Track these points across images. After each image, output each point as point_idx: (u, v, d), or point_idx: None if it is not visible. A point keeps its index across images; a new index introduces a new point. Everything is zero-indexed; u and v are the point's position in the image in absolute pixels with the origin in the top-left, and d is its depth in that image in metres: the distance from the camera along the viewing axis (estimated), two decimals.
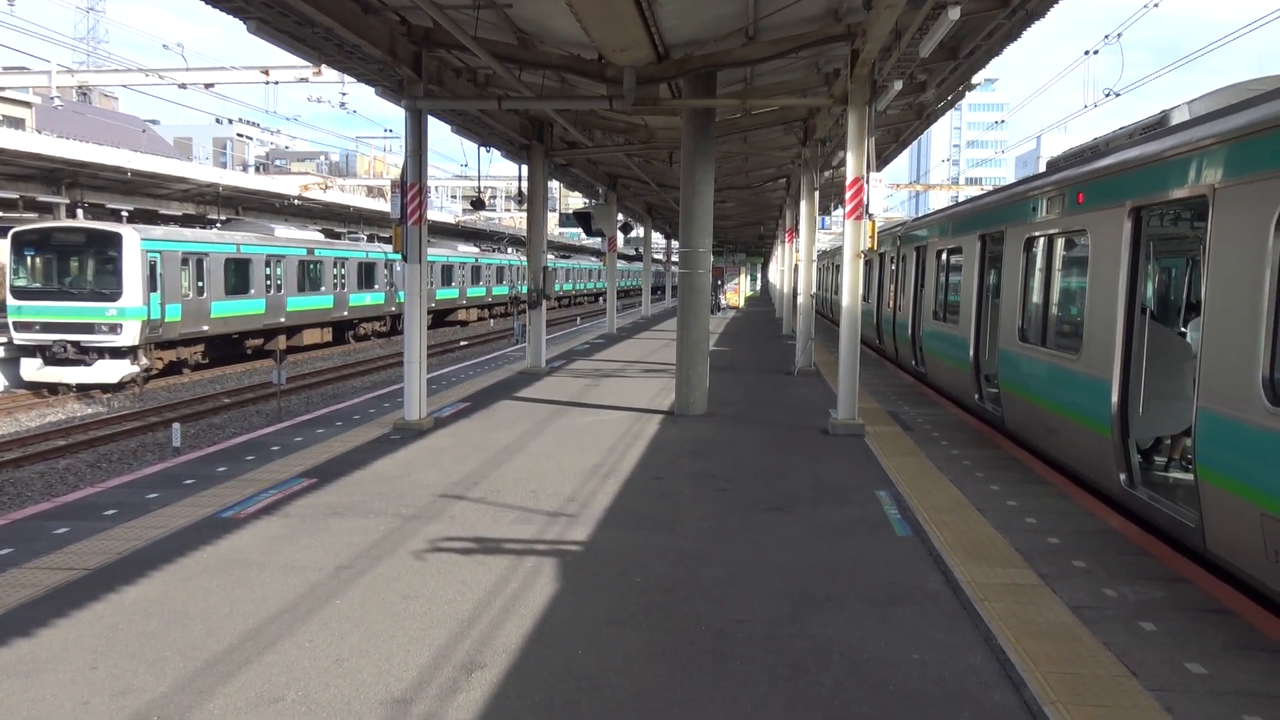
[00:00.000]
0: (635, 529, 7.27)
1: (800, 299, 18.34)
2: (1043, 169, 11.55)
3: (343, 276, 34.00)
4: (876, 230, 10.87)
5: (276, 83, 20.28)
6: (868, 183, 10.78)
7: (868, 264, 19.68)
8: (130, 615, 5.37)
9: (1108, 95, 17.58)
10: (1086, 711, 4.26)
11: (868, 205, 10.79)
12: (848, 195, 11.03)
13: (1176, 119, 7.91)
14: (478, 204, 19.07)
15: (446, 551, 6.62)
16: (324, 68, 18.19)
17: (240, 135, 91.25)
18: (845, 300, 11.36)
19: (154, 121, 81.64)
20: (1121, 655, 4.89)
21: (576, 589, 5.88)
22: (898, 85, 10.59)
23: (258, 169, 76.86)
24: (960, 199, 68.73)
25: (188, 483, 8.70)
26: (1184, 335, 8.83)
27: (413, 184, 11.08)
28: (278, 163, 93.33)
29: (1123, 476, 7.80)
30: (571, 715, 4.23)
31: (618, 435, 11.12)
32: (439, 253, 41.22)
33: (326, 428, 11.67)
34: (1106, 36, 15.73)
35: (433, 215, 46.66)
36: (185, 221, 30.44)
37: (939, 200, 77.80)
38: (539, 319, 17.57)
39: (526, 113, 15.46)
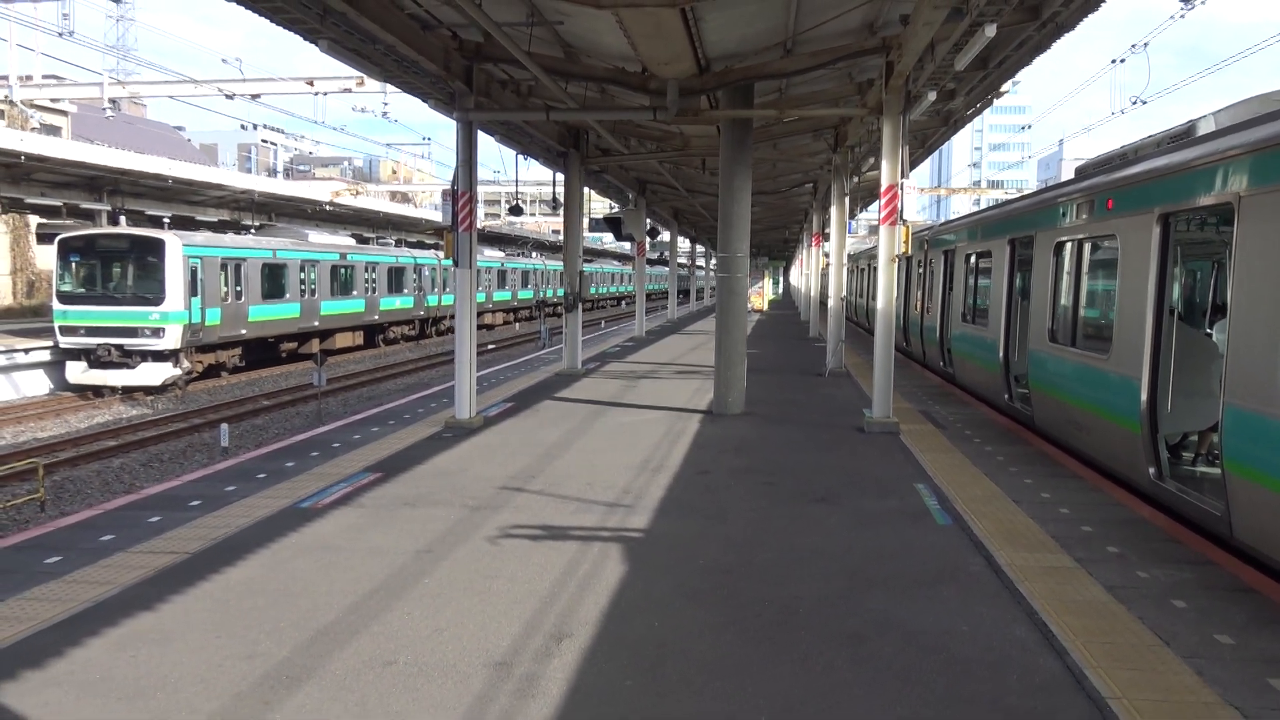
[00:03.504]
0: (689, 518, 7.72)
1: (831, 302, 18.75)
2: (1065, 172, 11.92)
3: (373, 281, 34.62)
4: (911, 235, 11.28)
5: (324, 93, 20.87)
6: (902, 190, 11.20)
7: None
8: (238, 593, 5.86)
9: (1134, 103, 17.92)
10: (1125, 675, 4.68)
11: (902, 211, 11.22)
12: (882, 202, 11.45)
13: (1203, 129, 8.30)
14: (515, 210, 19.60)
15: (517, 538, 7.08)
16: (366, 79, 18.79)
17: (265, 141, 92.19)
18: (880, 303, 11.77)
19: (180, 128, 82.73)
20: (1155, 628, 5.31)
21: (643, 570, 6.34)
22: (932, 96, 11.01)
23: (286, 174, 77.85)
24: (982, 203, 68.74)
25: (260, 476, 9.21)
26: (1209, 336, 9.21)
27: (463, 192, 11.58)
28: (301, 168, 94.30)
29: (1152, 470, 8.19)
30: (658, 675, 4.69)
31: (660, 433, 11.57)
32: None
33: (380, 426, 12.19)
34: (1133, 46, 16.09)
35: None
36: (219, 227, 31.12)
37: (961, 204, 77.91)
38: (575, 321, 18.05)
39: (565, 122, 15.95)
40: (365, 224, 40.64)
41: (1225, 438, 6.77)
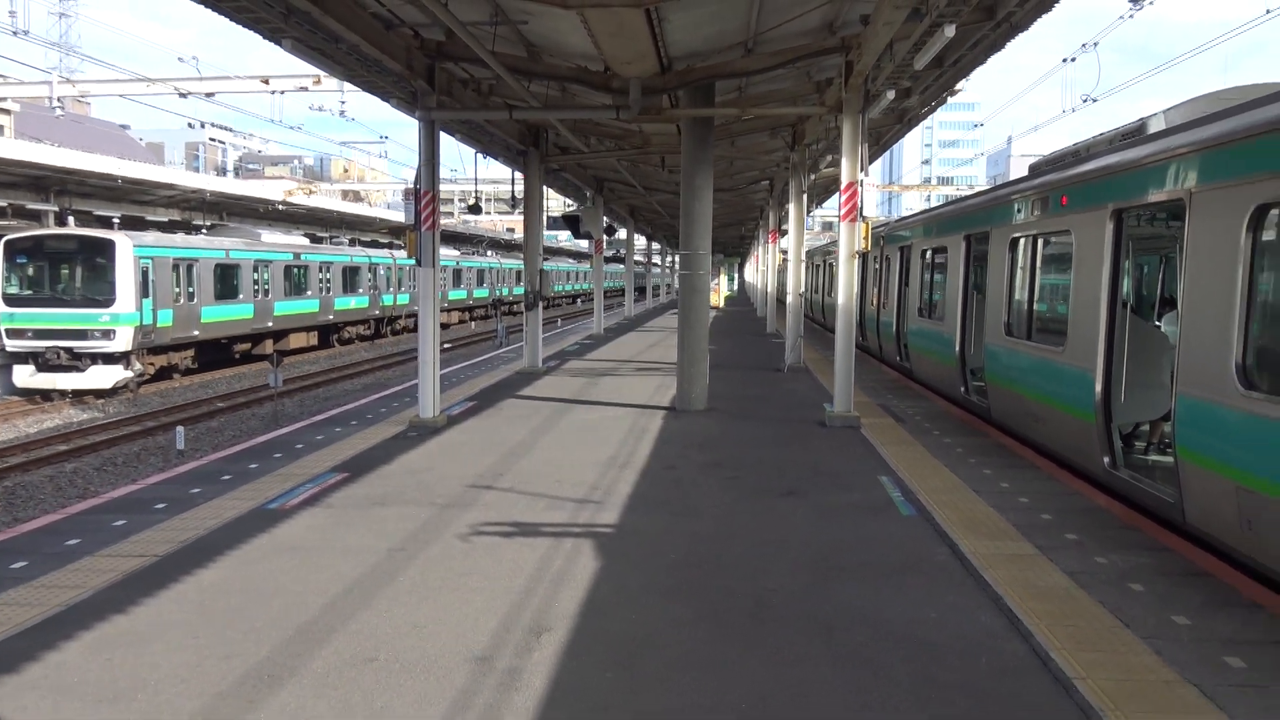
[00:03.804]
0: (659, 513, 7.80)
1: (790, 298, 18.95)
2: (1013, 168, 12.19)
3: (328, 280, 34.33)
4: (870, 231, 11.45)
5: (281, 92, 20.64)
6: (862, 187, 11.37)
7: None
8: (212, 594, 5.84)
9: (1085, 101, 18.31)
10: (1088, 657, 4.84)
11: (862, 208, 11.39)
12: (842, 199, 11.61)
13: (1154, 127, 8.55)
14: (474, 209, 19.54)
15: (488, 535, 7.12)
16: (323, 77, 18.64)
17: (213, 140, 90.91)
18: (841, 299, 11.94)
19: (125, 126, 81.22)
20: (1114, 611, 5.49)
21: (616, 565, 6.41)
22: (890, 94, 11.19)
23: (235, 173, 76.77)
24: (932, 199, 69.59)
25: (225, 478, 9.14)
26: (1158, 328, 9.48)
27: (426, 191, 11.55)
28: (250, 166, 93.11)
29: (1106, 459, 8.42)
30: (637, 667, 4.77)
31: (625, 430, 11.64)
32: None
33: (343, 426, 12.13)
34: (1084, 45, 16.46)
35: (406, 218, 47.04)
36: (169, 227, 30.64)
37: (912, 201, 78.84)
38: (535, 320, 18.06)
39: (526, 121, 15.95)
40: (319, 223, 40.24)
41: (1178, 427, 6.99)
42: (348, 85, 12.39)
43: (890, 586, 5.98)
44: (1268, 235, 6.13)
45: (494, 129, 15.14)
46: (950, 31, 8.34)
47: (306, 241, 35.16)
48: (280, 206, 34.26)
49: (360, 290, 37.17)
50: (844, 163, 11.63)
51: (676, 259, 19.16)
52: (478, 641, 5.07)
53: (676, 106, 12.80)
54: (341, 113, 21.78)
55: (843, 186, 11.62)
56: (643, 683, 4.62)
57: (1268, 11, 12.79)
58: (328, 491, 8.49)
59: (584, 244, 55.06)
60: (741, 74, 11.82)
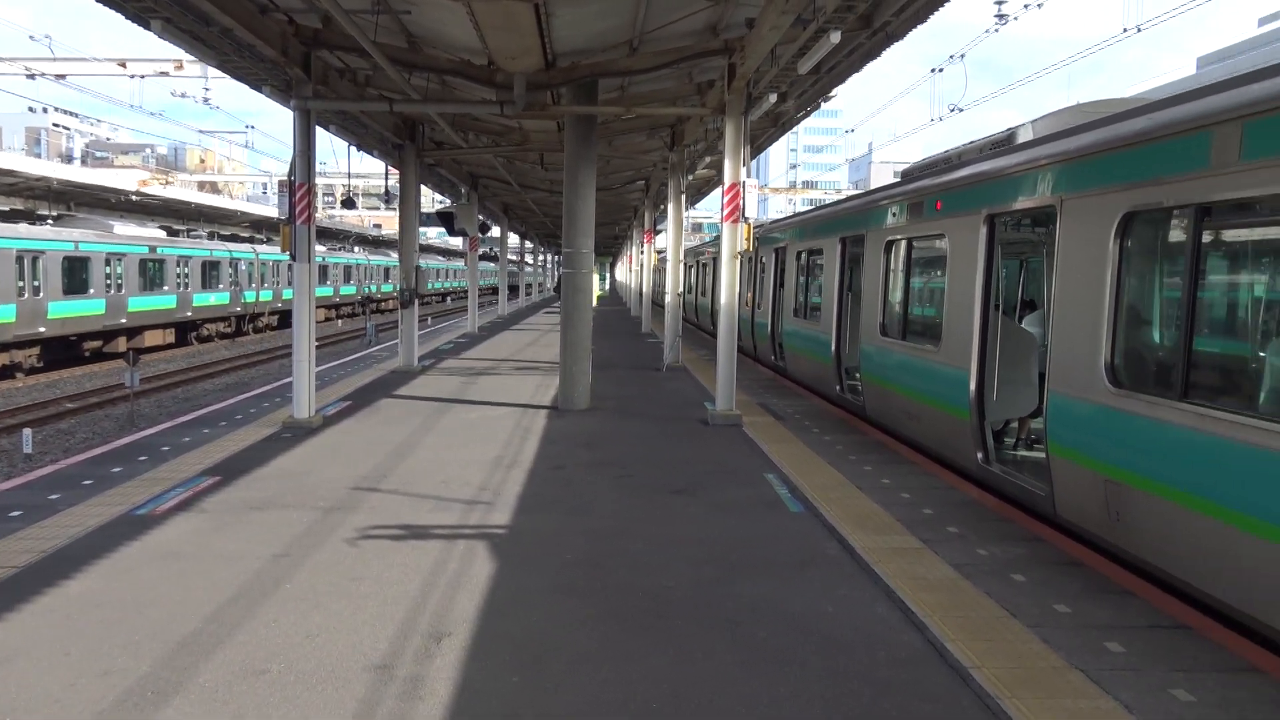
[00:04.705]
0: (551, 512, 7.72)
1: (668, 298, 19.08)
2: (874, 175, 12.58)
3: (186, 275, 32.85)
4: (752, 232, 11.62)
5: (141, 76, 19.56)
6: (744, 188, 11.53)
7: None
8: (82, 606, 5.47)
9: (952, 110, 19.08)
10: (980, 646, 5.01)
11: (744, 209, 11.54)
12: (725, 200, 11.75)
13: (1023, 137, 8.93)
14: (349, 203, 18.98)
15: (377, 539, 6.91)
16: (185, 62, 17.81)
17: (57, 125, 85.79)
18: (724, 299, 12.08)
19: None
20: (1000, 601, 5.70)
21: (513, 566, 6.31)
22: (773, 98, 11.38)
23: (83, 161, 72.53)
24: (798, 202, 71.25)
25: (86, 483, 8.61)
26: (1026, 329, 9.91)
27: (301, 184, 11.16)
28: (99, 154, 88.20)
29: (980, 455, 8.77)
30: (544, 669, 4.69)
31: (509, 429, 11.50)
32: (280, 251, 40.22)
33: (211, 428, 11.59)
34: (951, 57, 17.14)
35: (271, 212, 45.40)
36: (10, 216, 28.74)
37: (779, 204, 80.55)
38: (411, 318, 17.68)
39: (405, 114, 15.59)
40: (175, 215, 38.38)
41: (1049, 423, 7.32)
42: (212, 71, 11.83)
43: (786, 581, 6.07)
44: (1135, 241, 6.49)
45: (370, 121, 14.74)
46: (835, 38, 8.53)
47: (163, 235, 33.57)
48: (134, 197, 32.54)
49: (221, 286, 35.72)
50: (727, 164, 11.76)
51: (556, 257, 19.00)
52: (375, 649, 4.90)
53: (559, 103, 12.72)
54: (206, 100, 20.87)
55: (725, 187, 11.75)
56: (550, 684, 4.54)
57: (1124, 29, 13.59)
58: (201, 496, 8.09)
59: (455, 241, 54.32)
60: (626, 73, 11.83)
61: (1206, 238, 5.73)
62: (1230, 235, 5.88)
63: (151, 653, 4.82)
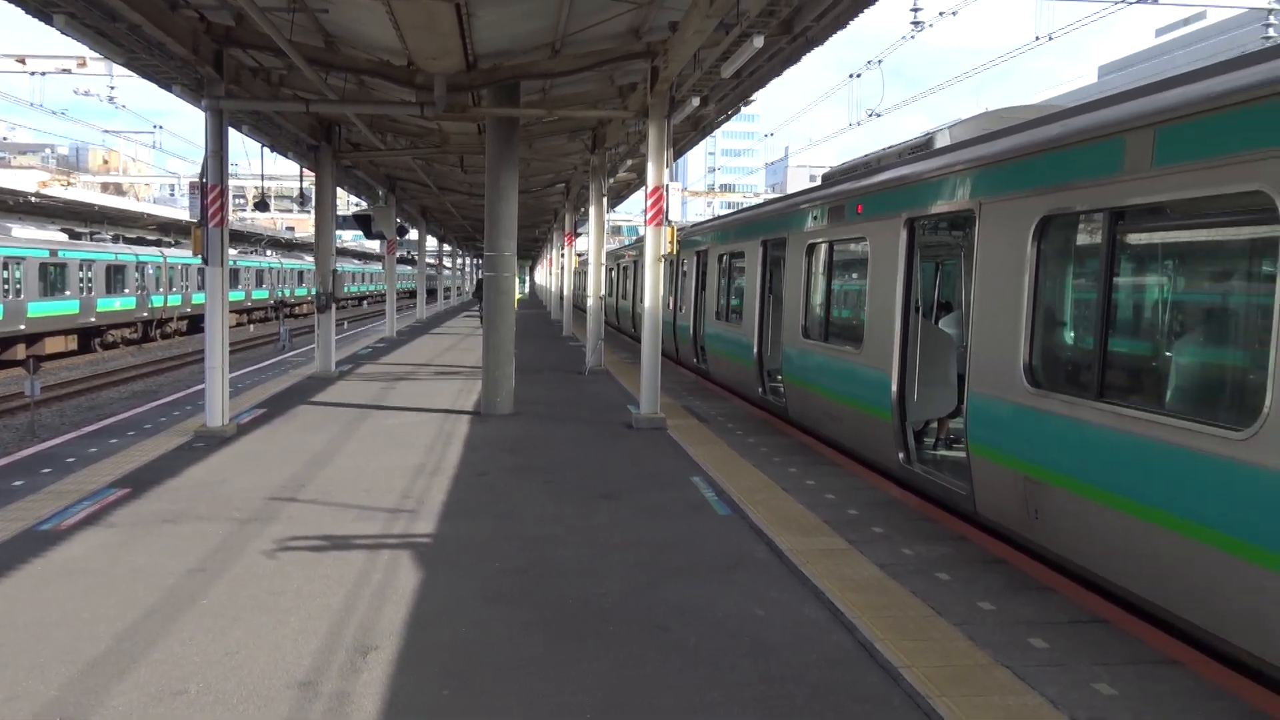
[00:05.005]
0: (477, 519, 7.61)
1: (590, 301, 19.02)
2: (791, 178, 12.73)
3: (89, 280, 31.69)
4: (675, 235, 11.64)
5: (42, 73, 18.76)
6: (667, 191, 11.54)
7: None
8: None
9: (871, 115, 19.41)
10: (909, 645, 5.07)
11: (667, 212, 11.56)
12: (648, 203, 11.75)
13: (940, 142, 9.10)
14: (262, 205, 18.50)
15: (297, 550, 6.72)
16: (89, 59, 17.17)
17: None
18: (647, 302, 12.07)
19: None
20: (926, 600, 5.78)
21: (440, 575, 6.19)
22: (695, 101, 11.40)
23: None
24: (718, 205, 71.86)
25: None
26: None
27: (214, 185, 10.83)
28: None
29: (901, 455, 8.91)
30: (475, 680, 4.60)
31: (431, 435, 11.32)
32: (189, 254, 39.06)
33: (119, 438, 11.17)
34: (869, 63, 17.44)
35: (179, 214, 44.11)
36: None
37: (697, 206, 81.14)
38: (328, 322, 17.31)
39: (321, 115, 15.26)
40: (77, 218, 37.00)
41: (969, 424, 7.46)
42: (118, 69, 11.40)
43: (716, 585, 6.07)
44: (1052, 245, 6.65)
45: (286, 122, 14.40)
46: (759, 42, 8.59)
47: (65, 238, 32.33)
48: (33, 199, 31.30)
49: (127, 291, 34.54)
50: (650, 167, 11.76)
51: (475, 260, 18.78)
52: (299, 665, 4.75)
53: (480, 105, 12.58)
54: (111, 99, 20.05)
55: (649, 190, 11.76)
56: (482, 695, 4.46)
57: (1036, 38, 13.96)
58: (110, 509, 7.78)
59: (372, 244, 53.38)
60: (548, 75, 11.75)
61: (1120, 241, 5.90)
62: (1143, 239, 6.06)
63: (60, 675, 4.60)
